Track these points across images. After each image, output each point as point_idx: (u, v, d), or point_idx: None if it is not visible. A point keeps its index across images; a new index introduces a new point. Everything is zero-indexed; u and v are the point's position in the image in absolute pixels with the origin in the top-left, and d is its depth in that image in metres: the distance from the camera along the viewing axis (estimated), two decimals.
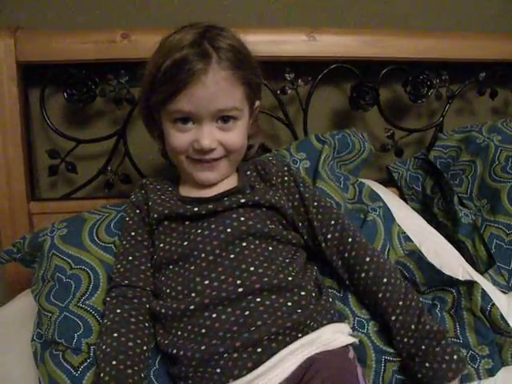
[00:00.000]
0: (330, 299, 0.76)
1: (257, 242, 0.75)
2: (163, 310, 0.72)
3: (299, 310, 0.69)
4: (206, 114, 0.75)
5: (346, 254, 0.77)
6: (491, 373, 0.75)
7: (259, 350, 0.65)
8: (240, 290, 0.69)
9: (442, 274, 0.83)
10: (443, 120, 1.28)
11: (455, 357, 0.68)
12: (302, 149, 1.03)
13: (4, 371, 0.80)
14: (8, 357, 0.82)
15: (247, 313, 0.68)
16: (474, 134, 1.19)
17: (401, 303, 0.72)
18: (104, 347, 0.69)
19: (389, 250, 0.89)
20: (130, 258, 0.78)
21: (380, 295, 0.73)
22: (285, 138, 1.25)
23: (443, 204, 1.17)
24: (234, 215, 0.77)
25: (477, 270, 0.96)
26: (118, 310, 0.73)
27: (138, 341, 0.70)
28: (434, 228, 1.06)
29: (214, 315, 0.68)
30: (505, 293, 0.90)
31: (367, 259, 0.76)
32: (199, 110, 0.74)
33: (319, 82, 1.18)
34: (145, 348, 0.71)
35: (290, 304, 0.70)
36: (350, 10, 1.23)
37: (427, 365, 0.68)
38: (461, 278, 0.84)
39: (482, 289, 0.80)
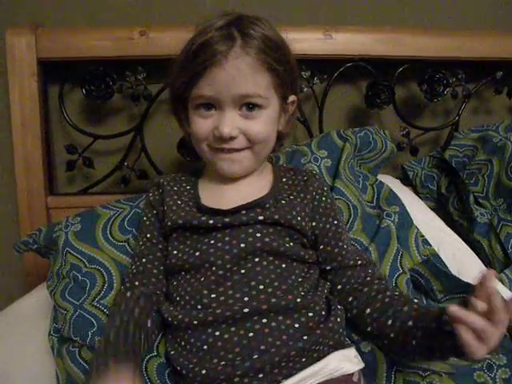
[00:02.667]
0: (339, 319, 0.72)
1: (270, 258, 0.72)
2: (170, 319, 0.71)
3: (305, 337, 0.66)
4: (227, 99, 0.71)
5: (360, 280, 0.75)
6: (508, 383, 0.73)
7: (260, 375, 0.64)
8: (246, 310, 0.67)
9: (459, 280, 0.82)
10: (459, 119, 1.27)
11: None
12: (323, 146, 1.01)
13: (22, 363, 0.81)
14: (26, 348, 0.83)
15: (251, 334, 0.66)
16: (490, 133, 1.18)
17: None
18: (107, 324, 0.71)
19: (401, 257, 0.87)
20: (144, 260, 0.78)
21: (402, 302, 0.71)
22: (300, 135, 1.26)
23: (458, 203, 1.16)
24: (251, 230, 0.73)
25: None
26: (126, 302, 0.72)
27: (141, 324, 0.69)
28: (449, 228, 1.05)
29: (217, 333, 0.66)
30: None
31: (380, 278, 0.76)
32: (220, 95, 0.71)
33: (335, 79, 1.18)
34: (146, 332, 0.69)
35: (297, 326, 0.67)
36: (366, 8, 1.22)
37: None
38: None
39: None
